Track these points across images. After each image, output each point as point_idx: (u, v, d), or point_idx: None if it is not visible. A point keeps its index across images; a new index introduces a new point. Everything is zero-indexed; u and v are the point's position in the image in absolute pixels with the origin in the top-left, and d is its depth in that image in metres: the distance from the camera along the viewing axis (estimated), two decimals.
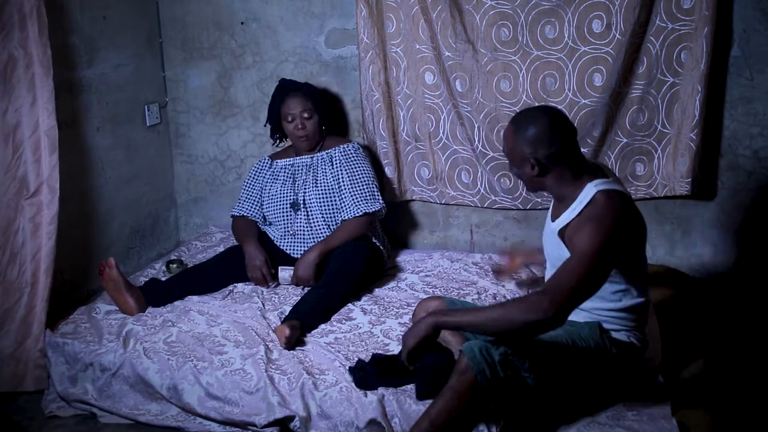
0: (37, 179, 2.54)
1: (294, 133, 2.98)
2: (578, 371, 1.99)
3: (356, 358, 2.31)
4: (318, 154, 3.03)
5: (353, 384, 2.16)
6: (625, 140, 2.93)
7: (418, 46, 3.04)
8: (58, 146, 2.56)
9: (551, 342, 1.96)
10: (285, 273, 2.88)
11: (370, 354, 2.33)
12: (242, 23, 3.34)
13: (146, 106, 3.38)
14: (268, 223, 3.07)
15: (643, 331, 2.10)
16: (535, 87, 2.93)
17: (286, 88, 3.02)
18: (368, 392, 2.12)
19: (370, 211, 2.92)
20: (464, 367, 1.82)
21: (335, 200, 2.96)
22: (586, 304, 1.95)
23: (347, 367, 2.24)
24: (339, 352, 2.36)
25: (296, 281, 2.85)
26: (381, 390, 2.13)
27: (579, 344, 1.98)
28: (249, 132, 3.48)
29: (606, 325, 2.04)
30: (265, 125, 3.14)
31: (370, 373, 2.17)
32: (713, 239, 2.99)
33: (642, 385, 2.17)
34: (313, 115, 2.96)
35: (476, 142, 3.06)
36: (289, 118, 2.97)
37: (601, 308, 2.03)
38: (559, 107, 2.30)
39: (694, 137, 2.79)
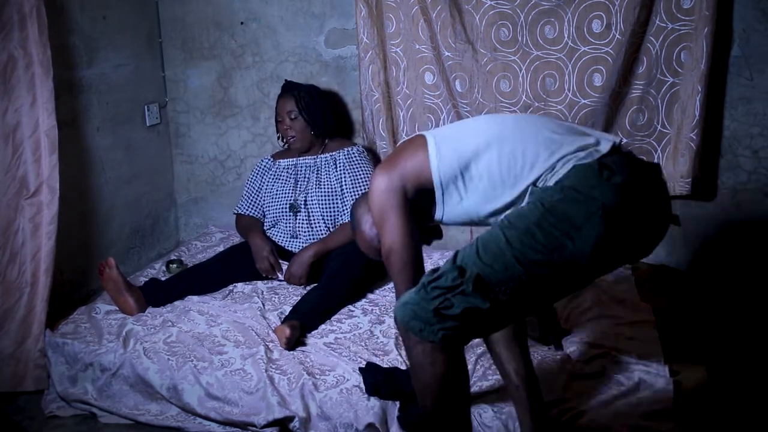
0: (37, 179, 2.54)
1: (282, 133, 3.04)
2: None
3: (359, 359, 2.30)
4: (321, 156, 3.04)
5: (363, 386, 2.14)
6: (625, 140, 2.92)
7: (417, 46, 3.04)
8: (58, 146, 2.55)
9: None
10: None
11: (371, 353, 2.33)
12: (242, 23, 3.34)
13: (146, 106, 3.38)
14: (272, 224, 3.07)
15: None
16: (535, 87, 2.93)
17: (282, 89, 3.06)
18: (371, 397, 2.10)
19: None
20: (407, 338, 1.62)
21: (337, 203, 2.96)
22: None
23: (359, 368, 2.23)
24: (341, 353, 2.36)
25: (287, 277, 2.86)
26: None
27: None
28: (249, 132, 3.48)
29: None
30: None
31: (382, 383, 2.12)
32: (713, 239, 2.99)
33: None
34: (297, 117, 2.98)
35: None
36: (279, 119, 3.04)
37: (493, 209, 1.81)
38: None
39: (694, 137, 2.79)
